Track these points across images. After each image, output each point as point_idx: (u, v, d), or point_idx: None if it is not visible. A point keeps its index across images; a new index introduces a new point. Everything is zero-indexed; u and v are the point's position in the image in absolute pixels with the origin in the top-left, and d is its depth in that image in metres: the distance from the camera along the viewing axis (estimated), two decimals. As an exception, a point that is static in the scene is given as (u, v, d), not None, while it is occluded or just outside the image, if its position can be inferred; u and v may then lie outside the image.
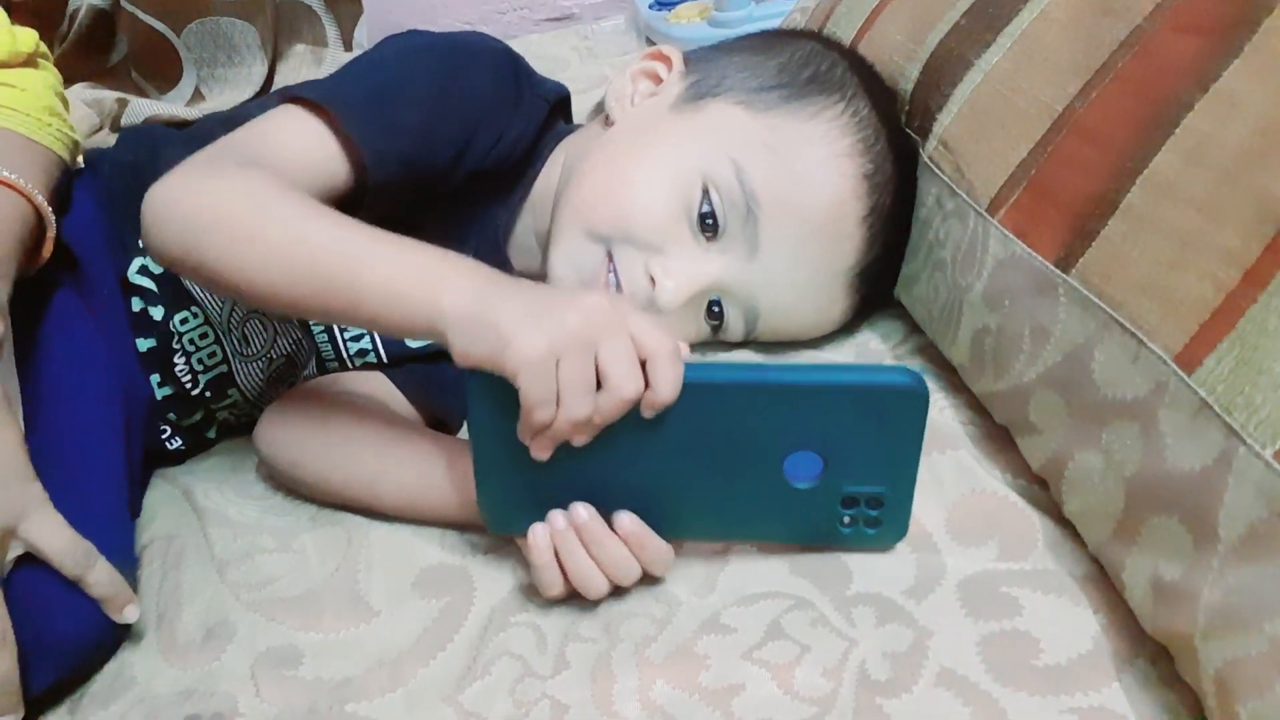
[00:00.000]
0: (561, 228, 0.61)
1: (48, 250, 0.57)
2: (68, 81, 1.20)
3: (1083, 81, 0.51)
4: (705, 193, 0.58)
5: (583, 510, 0.47)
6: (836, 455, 0.46)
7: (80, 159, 0.67)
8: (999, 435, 0.55)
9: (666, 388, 0.43)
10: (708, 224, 0.58)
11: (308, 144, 0.56)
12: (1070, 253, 0.48)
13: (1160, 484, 0.41)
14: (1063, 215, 0.49)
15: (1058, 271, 0.48)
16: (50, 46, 1.26)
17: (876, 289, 0.64)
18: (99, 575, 0.49)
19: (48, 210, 0.57)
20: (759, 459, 0.46)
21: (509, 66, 0.64)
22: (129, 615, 0.50)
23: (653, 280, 0.58)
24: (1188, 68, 0.45)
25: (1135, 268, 0.44)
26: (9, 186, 0.55)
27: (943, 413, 0.58)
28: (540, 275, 0.62)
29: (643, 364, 0.43)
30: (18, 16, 1.27)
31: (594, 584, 0.48)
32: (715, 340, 0.64)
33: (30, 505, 0.47)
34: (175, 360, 0.62)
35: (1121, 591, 0.44)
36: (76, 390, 0.57)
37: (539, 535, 0.47)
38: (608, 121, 0.66)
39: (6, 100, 0.60)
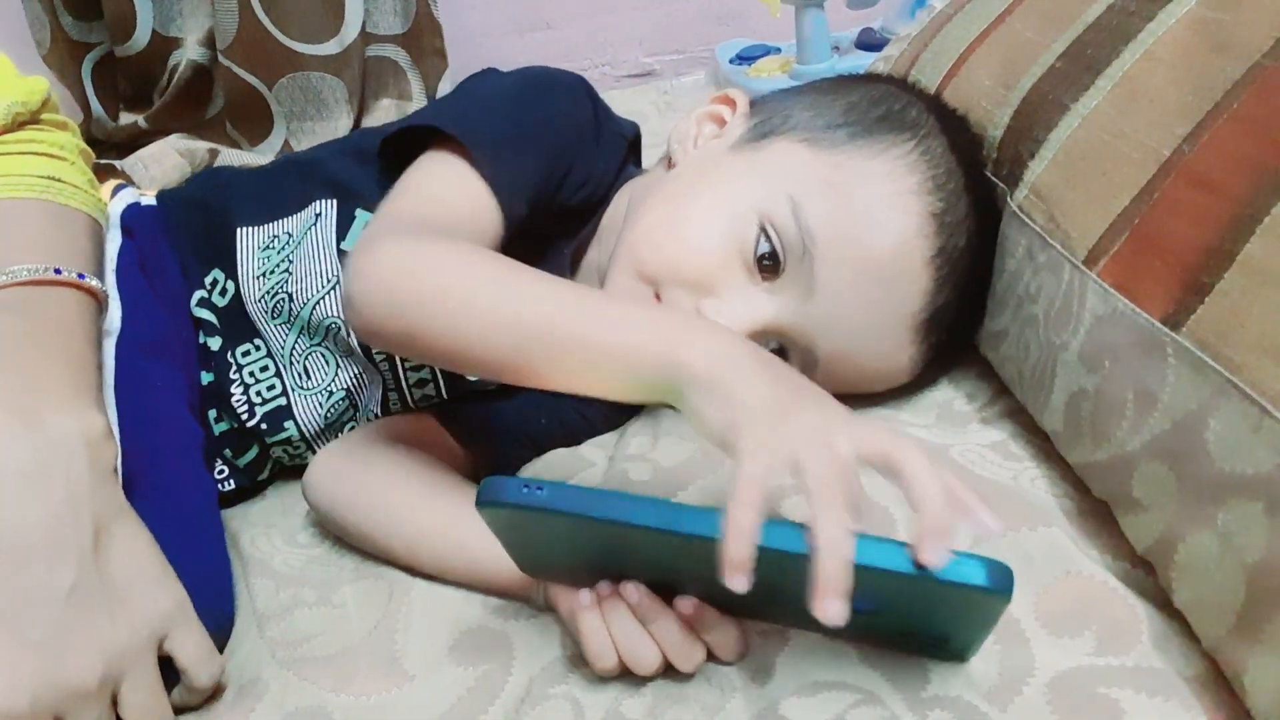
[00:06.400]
0: (614, 267, 0.59)
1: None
2: (165, 132, 1.26)
3: (1193, 124, 0.46)
4: (763, 232, 0.55)
5: (633, 590, 0.43)
6: (897, 612, 0.40)
7: (153, 197, 0.68)
8: (1098, 511, 0.49)
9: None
10: (766, 264, 0.55)
11: (472, 202, 0.56)
12: (1180, 309, 0.43)
13: (1290, 575, 0.36)
14: (1171, 268, 0.44)
15: (1166, 330, 0.43)
16: (151, 100, 1.32)
17: (950, 338, 0.59)
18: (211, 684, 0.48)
19: (107, 300, 0.56)
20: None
21: (589, 102, 0.64)
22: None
23: None
24: (1316, 106, 0.40)
25: (1256, 326, 0.39)
26: (87, 290, 0.54)
27: (1034, 484, 0.52)
28: None
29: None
30: (121, 70, 1.33)
31: (644, 656, 0.43)
32: None
33: (177, 614, 0.46)
34: (233, 391, 0.62)
35: (1242, 697, 0.38)
36: (162, 418, 0.57)
37: (586, 599, 0.44)
38: (670, 164, 0.64)
39: (64, 174, 0.58)
